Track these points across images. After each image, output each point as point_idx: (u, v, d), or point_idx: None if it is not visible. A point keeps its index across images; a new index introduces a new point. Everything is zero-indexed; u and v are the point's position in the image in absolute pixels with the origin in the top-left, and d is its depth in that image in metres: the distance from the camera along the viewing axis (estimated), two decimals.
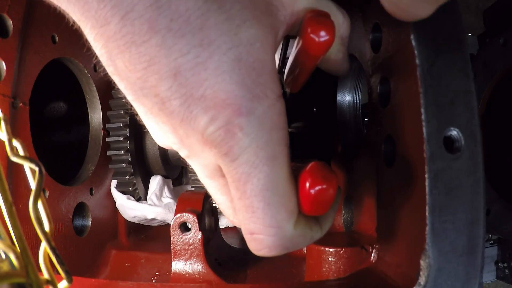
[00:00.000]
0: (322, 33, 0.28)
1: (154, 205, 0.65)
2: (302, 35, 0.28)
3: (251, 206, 0.26)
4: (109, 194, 0.68)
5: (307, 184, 0.26)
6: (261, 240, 0.27)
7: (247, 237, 0.28)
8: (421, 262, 0.27)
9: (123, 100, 0.46)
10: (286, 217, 0.27)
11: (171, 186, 0.71)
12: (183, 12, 0.24)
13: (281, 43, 0.38)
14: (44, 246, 0.21)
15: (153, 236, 0.72)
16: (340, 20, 0.32)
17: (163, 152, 0.69)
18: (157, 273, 0.60)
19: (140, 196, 0.68)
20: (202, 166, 0.29)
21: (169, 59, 0.24)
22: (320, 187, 0.26)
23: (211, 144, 0.26)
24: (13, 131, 0.44)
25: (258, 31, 0.26)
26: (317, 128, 0.56)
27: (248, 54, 0.25)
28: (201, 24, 0.24)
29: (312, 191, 0.26)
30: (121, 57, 0.24)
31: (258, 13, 0.26)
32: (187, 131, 0.26)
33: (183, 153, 0.29)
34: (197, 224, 0.48)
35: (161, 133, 0.29)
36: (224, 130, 0.25)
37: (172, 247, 0.48)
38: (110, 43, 0.24)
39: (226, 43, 0.24)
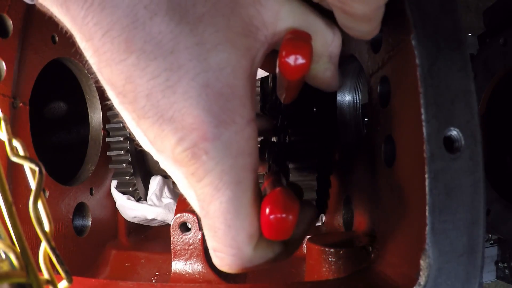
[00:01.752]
0: (297, 57, 0.27)
1: (154, 205, 0.65)
2: (278, 58, 0.28)
3: (213, 226, 0.27)
4: (109, 194, 0.68)
5: (267, 211, 0.27)
6: (221, 258, 0.28)
7: (210, 252, 0.29)
8: (421, 262, 0.27)
9: None
10: (246, 240, 0.28)
11: (171, 186, 0.71)
12: (156, 34, 0.24)
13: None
14: (44, 246, 0.21)
15: (153, 236, 0.72)
16: (329, 38, 0.30)
17: None
18: (157, 273, 0.60)
19: (140, 196, 0.68)
20: (176, 179, 0.30)
21: (142, 80, 0.24)
22: (278, 215, 0.27)
23: (180, 163, 0.26)
24: (13, 131, 0.44)
25: (230, 55, 0.26)
26: (317, 128, 0.56)
27: (216, 80, 0.25)
28: (172, 47, 0.24)
29: (271, 218, 0.27)
30: (105, 70, 0.25)
31: (233, 36, 0.26)
32: (160, 147, 0.27)
33: (160, 164, 0.30)
34: (197, 224, 0.48)
35: (141, 141, 0.30)
36: (191, 152, 0.26)
37: (172, 247, 0.48)
38: (95, 56, 0.25)
39: (195, 68, 0.25)
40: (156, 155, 0.29)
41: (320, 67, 0.32)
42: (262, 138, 0.55)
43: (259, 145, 0.50)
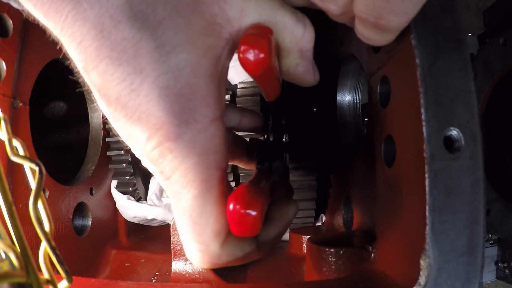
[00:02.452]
0: (254, 52, 0.26)
1: (154, 205, 0.65)
2: (237, 53, 0.27)
3: (181, 223, 0.29)
4: (109, 194, 0.68)
5: (230, 207, 0.27)
6: (190, 253, 0.30)
7: (183, 247, 0.31)
8: (421, 262, 0.27)
9: None
10: (212, 237, 0.28)
11: None
12: (120, 41, 0.25)
13: None
14: (44, 246, 0.21)
15: (153, 236, 0.72)
16: (299, 33, 0.30)
17: None
18: (157, 273, 0.60)
19: (140, 196, 0.68)
20: (156, 178, 0.31)
21: (112, 84, 0.26)
22: (241, 211, 0.27)
23: (151, 161, 0.28)
24: (13, 131, 0.44)
25: (189, 55, 0.26)
26: (317, 128, 0.56)
27: (176, 81, 0.26)
28: (135, 52, 0.25)
29: (234, 214, 0.27)
30: (85, 75, 0.27)
31: (193, 36, 0.26)
32: (134, 147, 0.28)
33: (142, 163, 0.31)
34: None
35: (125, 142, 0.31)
36: (158, 151, 0.27)
37: (172, 247, 0.48)
38: (76, 63, 0.27)
39: (155, 70, 0.25)
40: (136, 155, 0.30)
41: (291, 63, 0.32)
42: (252, 136, 0.55)
43: (248, 143, 0.50)
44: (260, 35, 0.27)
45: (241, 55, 0.27)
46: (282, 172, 0.51)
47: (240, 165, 0.52)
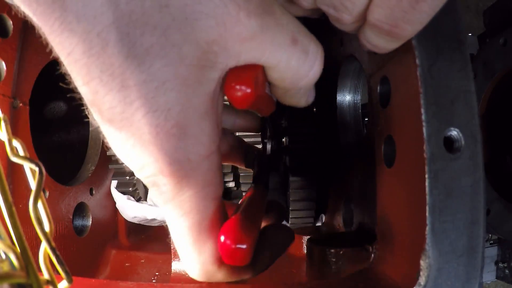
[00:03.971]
0: (241, 88, 0.26)
1: (154, 205, 0.65)
2: (224, 84, 0.27)
3: (179, 244, 0.29)
4: (109, 194, 0.68)
5: (221, 239, 0.28)
6: (188, 269, 0.30)
7: (181, 259, 0.31)
8: (421, 262, 0.27)
9: None
10: (209, 261, 0.29)
11: None
12: (109, 66, 0.23)
13: None
14: (44, 246, 0.21)
15: (153, 236, 0.72)
16: (304, 72, 0.28)
17: None
18: (157, 273, 0.60)
19: (140, 196, 0.68)
20: None
21: (103, 106, 0.24)
22: (232, 246, 0.28)
23: (146, 185, 0.27)
24: (13, 131, 0.44)
25: (178, 93, 0.24)
26: (317, 128, 0.56)
27: (165, 120, 0.24)
28: (122, 82, 0.23)
29: (224, 249, 0.28)
30: (77, 85, 0.25)
31: (184, 70, 0.24)
32: (129, 166, 0.27)
33: None
34: None
35: None
36: (151, 181, 0.27)
37: (172, 247, 0.48)
38: (67, 70, 0.25)
39: (144, 106, 0.24)
40: None
41: (286, 95, 0.31)
42: (248, 144, 0.55)
43: (245, 154, 0.50)
44: (247, 69, 0.26)
45: (227, 90, 0.26)
46: (278, 189, 0.51)
47: (238, 165, 0.52)
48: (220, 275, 0.30)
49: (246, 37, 0.24)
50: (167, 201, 0.27)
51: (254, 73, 0.26)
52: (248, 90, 0.26)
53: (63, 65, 0.24)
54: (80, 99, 0.25)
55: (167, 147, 0.25)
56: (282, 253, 0.35)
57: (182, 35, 0.23)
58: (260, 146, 0.57)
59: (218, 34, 0.24)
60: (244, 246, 0.28)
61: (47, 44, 0.24)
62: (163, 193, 0.27)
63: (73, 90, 0.25)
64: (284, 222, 0.62)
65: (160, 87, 0.23)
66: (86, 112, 0.27)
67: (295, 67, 0.27)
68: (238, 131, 0.50)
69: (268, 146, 0.53)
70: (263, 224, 0.38)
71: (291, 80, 0.28)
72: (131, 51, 0.23)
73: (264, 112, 0.37)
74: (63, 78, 0.26)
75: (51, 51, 0.25)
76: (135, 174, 0.27)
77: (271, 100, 0.33)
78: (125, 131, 0.25)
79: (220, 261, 0.29)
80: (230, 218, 0.29)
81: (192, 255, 0.29)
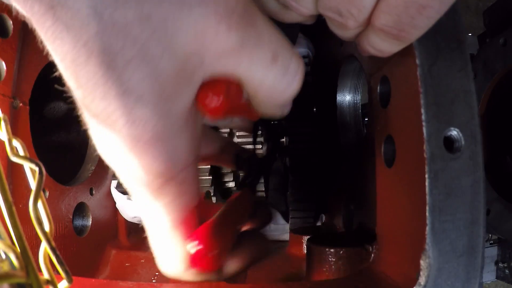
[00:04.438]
0: (212, 99, 0.26)
1: None
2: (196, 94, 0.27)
3: (150, 242, 0.31)
4: (109, 194, 0.68)
5: (188, 247, 0.29)
6: (159, 265, 0.32)
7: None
8: (421, 262, 0.27)
9: None
10: (177, 262, 0.30)
11: None
12: (92, 75, 0.23)
13: None
14: (44, 246, 0.21)
15: None
16: (280, 89, 0.28)
17: None
18: (157, 273, 0.60)
19: None
20: None
21: (91, 111, 0.25)
22: (199, 252, 0.29)
23: (126, 188, 0.29)
24: (13, 131, 0.44)
25: (155, 108, 0.24)
26: (317, 128, 0.56)
27: (142, 132, 0.25)
28: (104, 93, 0.24)
29: (191, 255, 0.29)
30: (71, 88, 0.26)
31: (161, 84, 0.24)
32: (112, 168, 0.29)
33: None
34: None
35: None
36: (129, 186, 0.28)
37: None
38: (63, 76, 0.25)
39: (122, 117, 0.24)
40: None
41: (262, 108, 0.31)
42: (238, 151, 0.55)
43: (235, 159, 0.50)
44: (219, 79, 0.26)
45: (198, 101, 0.26)
46: (278, 189, 0.51)
47: (228, 168, 0.52)
48: (188, 277, 0.32)
49: (224, 50, 0.25)
50: (142, 205, 0.29)
51: (225, 83, 0.26)
52: (219, 101, 0.26)
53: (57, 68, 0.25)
54: (75, 100, 0.26)
55: (145, 157, 0.26)
56: (254, 263, 0.36)
57: (161, 47, 0.23)
58: (257, 148, 0.57)
59: (197, 46, 0.24)
60: (210, 254, 0.29)
61: (44, 46, 0.25)
62: (139, 198, 0.28)
63: (68, 91, 0.26)
64: (284, 222, 0.62)
65: (138, 100, 0.24)
66: (79, 113, 0.27)
67: (270, 83, 0.27)
68: (236, 129, 0.50)
69: (264, 149, 0.53)
70: (245, 228, 0.38)
71: (265, 95, 0.28)
72: (112, 63, 0.23)
73: (250, 118, 0.37)
74: (62, 78, 0.26)
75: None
76: (115, 175, 0.29)
77: (252, 107, 0.32)
78: (109, 138, 0.26)
79: (187, 265, 0.30)
80: (200, 227, 0.30)
81: (162, 255, 0.31)
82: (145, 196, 0.28)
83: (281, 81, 0.27)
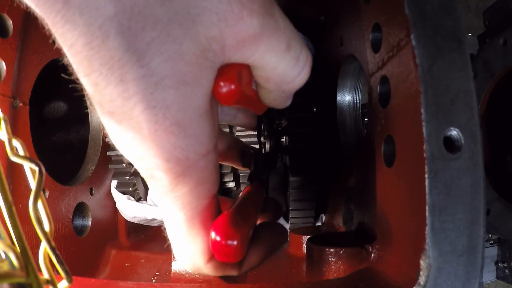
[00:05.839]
0: (225, 84, 0.26)
1: (154, 205, 0.65)
2: None
3: (169, 236, 0.30)
4: (109, 194, 0.68)
5: (212, 236, 0.28)
6: (178, 259, 0.31)
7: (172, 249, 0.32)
8: (421, 262, 0.27)
9: None
10: (197, 255, 0.30)
11: None
12: (108, 59, 0.23)
13: None
14: (44, 246, 0.21)
15: (153, 236, 0.72)
16: (290, 77, 0.29)
17: None
18: (157, 273, 0.60)
19: (140, 196, 0.68)
20: None
21: (104, 99, 0.24)
22: (223, 242, 0.28)
23: (144, 177, 0.27)
24: (13, 131, 0.44)
25: (176, 91, 0.24)
26: (317, 128, 0.56)
27: (164, 117, 0.24)
28: (121, 76, 0.23)
29: (215, 245, 0.28)
30: (79, 76, 0.25)
31: (183, 67, 0.24)
32: (127, 157, 0.27)
33: None
34: None
35: None
36: (148, 174, 0.27)
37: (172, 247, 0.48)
38: (70, 61, 0.25)
39: (142, 101, 0.23)
40: None
41: (268, 96, 0.32)
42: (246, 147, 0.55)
43: (242, 155, 0.50)
44: (231, 66, 0.26)
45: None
46: (278, 189, 0.51)
47: (234, 165, 0.52)
48: (206, 270, 0.31)
49: (245, 36, 0.24)
50: (162, 195, 0.28)
51: (238, 70, 0.26)
52: (232, 87, 0.26)
53: (65, 56, 0.24)
54: (82, 90, 0.25)
55: (165, 144, 0.25)
56: (274, 253, 0.35)
57: (183, 30, 0.23)
58: (257, 146, 0.57)
59: (219, 30, 0.24)
60: (234, 243, 0.28)
61: (50, 34, 0.24)
62: (159, 187, 0.27)
63: (75, 81, 0.25)
64: (284, 222, 0.62)
65: (160, 83, 0.23)
66: (88, 103, 0.26)
67: (282, 71, 0.28)
68: (237, 125, 0.50)
69: (267, 145, 0.53)
70: (259, 222, 0.38)
71: (275, 82, 0.29)
72: (131, 45, 0.22)
73: (255, 110, 0.37)
74: (65, 72, 0.25)
75: (51, 51, 0.25)
76: (133, 165, 0.27)
77: (258, 99, 0.33)
78: (125, 124, 0.25)
79: (208, 256, 0.30)
80: (221, 214, 0.29)
81: (182, 248, 0.30)
82: (165, 185, 0.27)
83: (292, 69, 0.28)
